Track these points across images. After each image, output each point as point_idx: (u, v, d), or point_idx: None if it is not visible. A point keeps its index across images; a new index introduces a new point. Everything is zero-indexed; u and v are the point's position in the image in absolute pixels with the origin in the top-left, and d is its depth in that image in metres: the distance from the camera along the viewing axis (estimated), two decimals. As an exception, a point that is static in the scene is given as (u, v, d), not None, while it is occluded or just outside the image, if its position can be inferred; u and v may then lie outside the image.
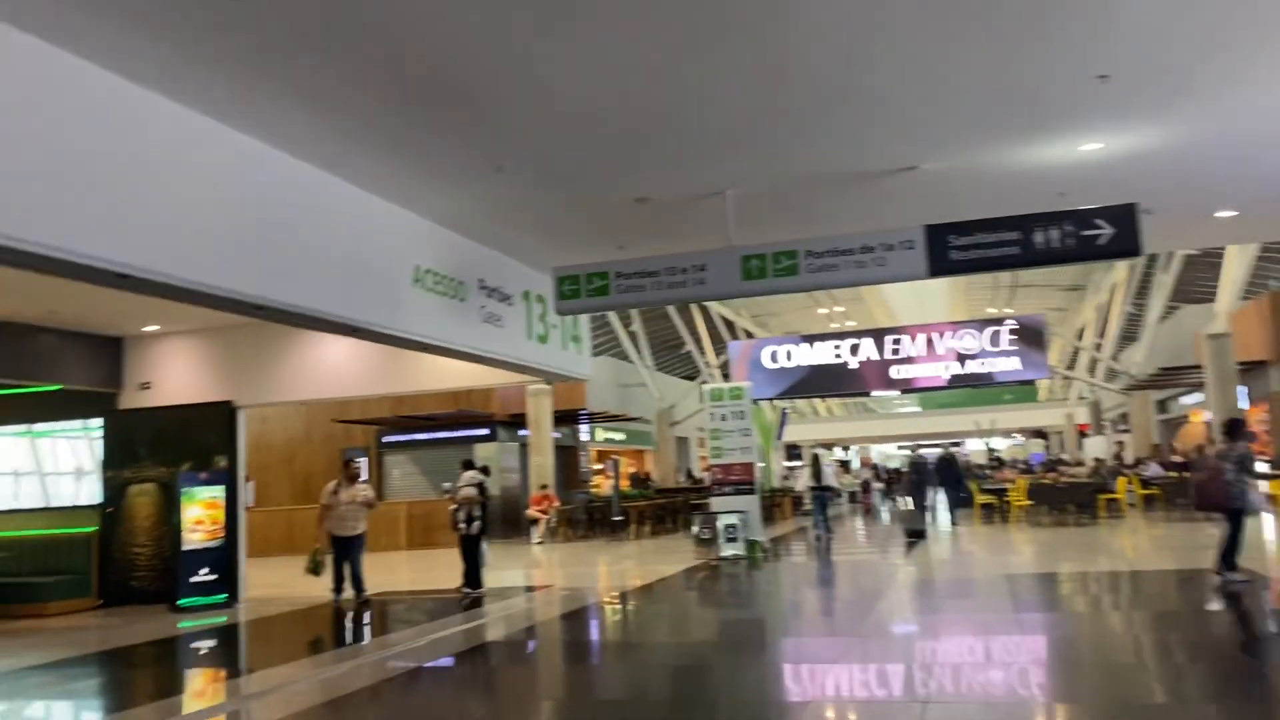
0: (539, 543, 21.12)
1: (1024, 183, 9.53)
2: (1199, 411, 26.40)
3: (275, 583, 14.96)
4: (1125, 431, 32.47)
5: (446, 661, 8.65)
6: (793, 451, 48.72)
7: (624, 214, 9.88)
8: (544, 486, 22.38)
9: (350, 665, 8.36)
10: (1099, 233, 8.40)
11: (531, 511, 21.88)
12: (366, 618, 11.33)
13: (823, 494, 21.90)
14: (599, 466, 31.62)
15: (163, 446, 13.64)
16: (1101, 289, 37.55)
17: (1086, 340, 34.74)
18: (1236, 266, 19.75)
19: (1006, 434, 50.81)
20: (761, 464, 32.91)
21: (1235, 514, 9.73)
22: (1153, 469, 23.52)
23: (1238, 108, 7.88)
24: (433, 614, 11.38)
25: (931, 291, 44.06)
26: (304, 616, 11.87)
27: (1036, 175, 9.36)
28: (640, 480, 28.12)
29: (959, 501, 21.74)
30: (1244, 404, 20.68)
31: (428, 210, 9.55)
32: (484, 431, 23.92)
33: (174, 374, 13.88)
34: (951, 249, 8.73)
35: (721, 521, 15.85)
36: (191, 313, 9.50)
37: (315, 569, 11.95)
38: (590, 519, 21.96)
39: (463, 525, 12.27)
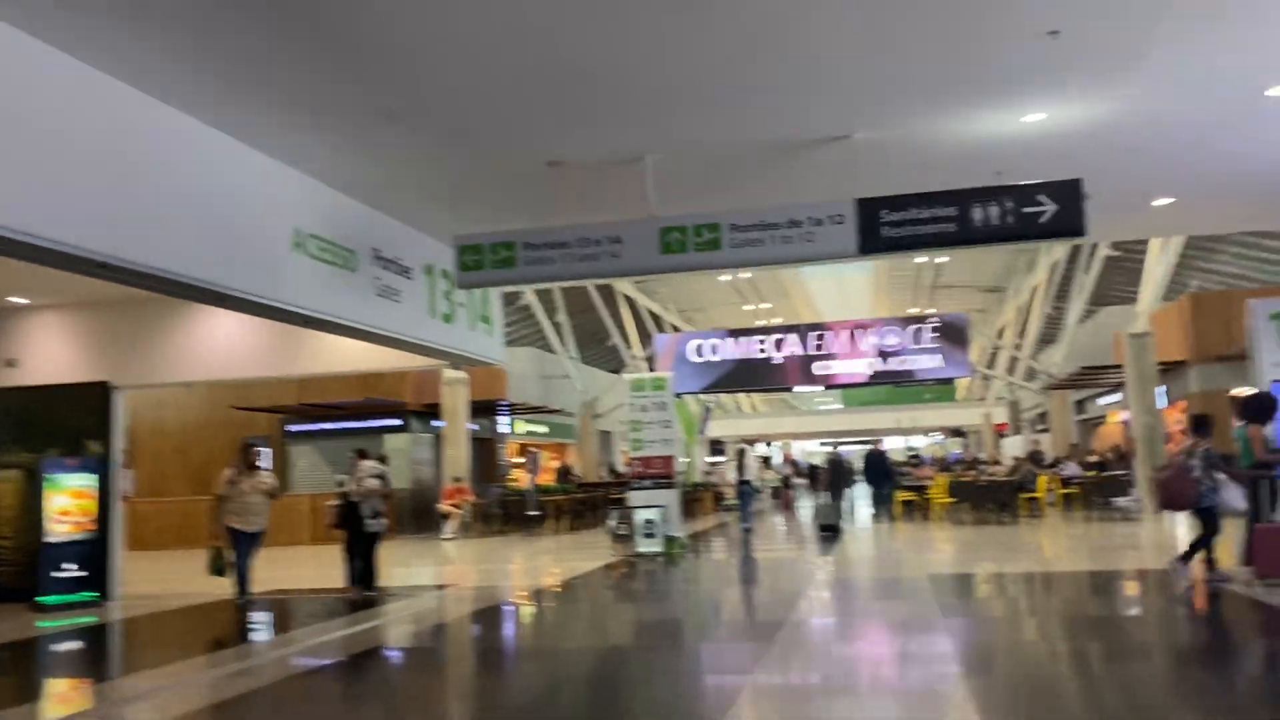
0: (450, 538, 20.10)
1: (961, 158, 8.87)
2: (1116, 412, 26.42)
3: (162, 579, 13.74)
4: (1043, 431, 32.54)
5: (328, 666, 7.69)
6: (716, 447, 48.29)
7: (535, 179, 8.99)
8: (458, 479, 21.35)
9: (217, 673, 7.34)
10: (1041, 210, 7.76)
11: (443, 505, 20.83)
12: (250, 619, 10.26)
13: (747, 489, 21.47)
14: (519, 460, 30.65)
15: (29, 430, 12.33)
16: (1022, 290, 37.75)
17: (1006, 340, 34.80)
18: (1158, 267, 19.59)
19: (926, 432, 51.03)
20: (685, 459, 32.34)
21: (1205, 513, 9.24)
22: (1071, 468, 23.39)
23: (1187, 79, 7.31)
24: (321, 615, 10.35)
25: (855, 289, 44.02)
26: (178, 617, 10.71)
27: (975, 150, 8.72)
28: (562, 474, 27.21)
29: (885, 498, 21.12)
30: (1162, 403, 20.56)
31: (311, 166, 8.52)
32: (395, 421, 22.76)
33: (45, 351, 12.58)
34: (884, 225, 8.02)
35: (639, 517, 15.06)
36: (65, 284, 8.38)
37: (219, 569, 10.75)
38: (506, 514, 20.99)
39: (370, 522, 11.21)
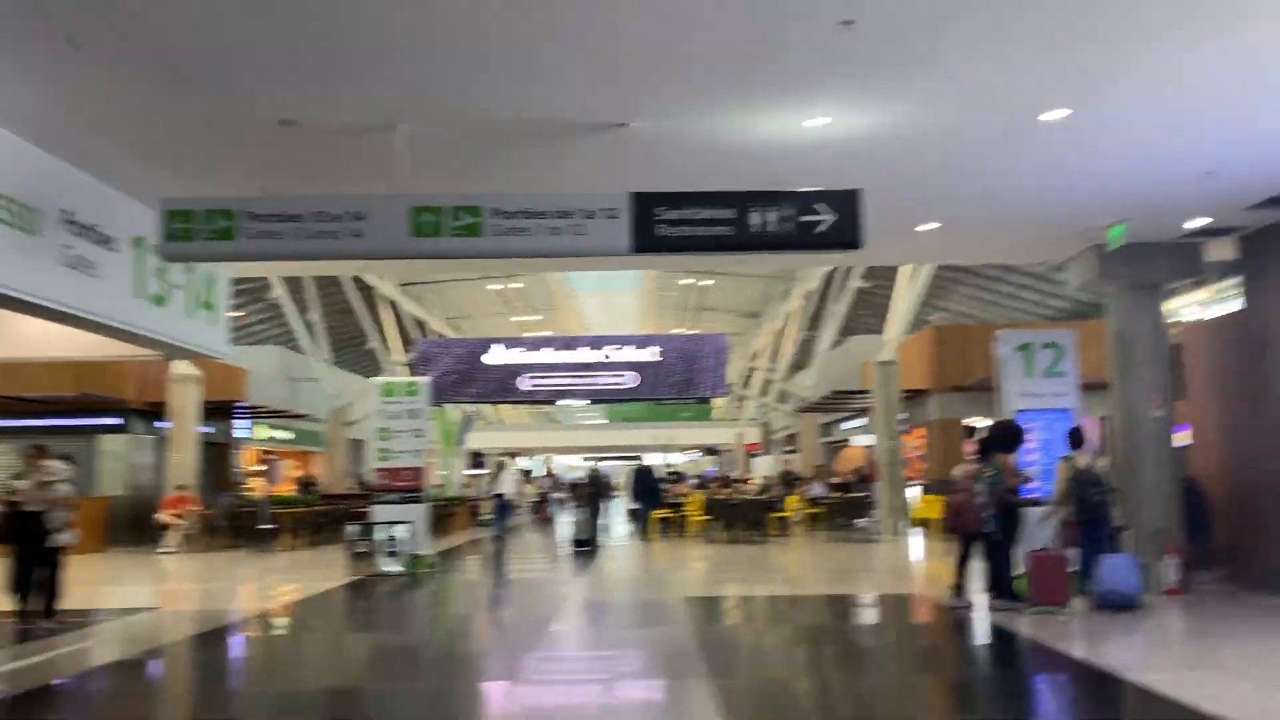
0: (169, 552, 17.83)
1: (743, 159, 8.27)
2: (851, 437, 27.41)
3: None
4: (792, 452, 33.45)
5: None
6: (478, 459, 46.85)
7: (267, 140, 7.63)
8: (182, 487, 19.05)
9: None
10: (819, 219, 7.27)
11: (162, 516, 18.49)
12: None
13: (504, 503, 20.60)
14: (260, 468, 28.14)
15: None
16: (777, 317, 38.89)
17: (761, 364, 35.64)
18: (905, 299, 20.27)
19: (683, 450, 51.76)
20: (443, 470, 30.83)
21: (985, 539, 9.07)
22: (816, 489, 23.93)
23: (970, 93, 7.03)
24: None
25: (624, 307, 44.03)
26: None
27: (757, 152, 8.15)
28: (304, 485, 25.07)
29: (654, 506, 20.50)
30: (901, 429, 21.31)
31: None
32: (115, 421, 20.08)
33: None
34: (660, 223, 7.29)
35: (381, 533, 13.72)
36: None
37: None
38: (237, 526, 18.90)
39: (57, 536, 9.28)
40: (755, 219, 7.28)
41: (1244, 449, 10.46)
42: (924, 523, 19.32)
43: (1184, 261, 10.80)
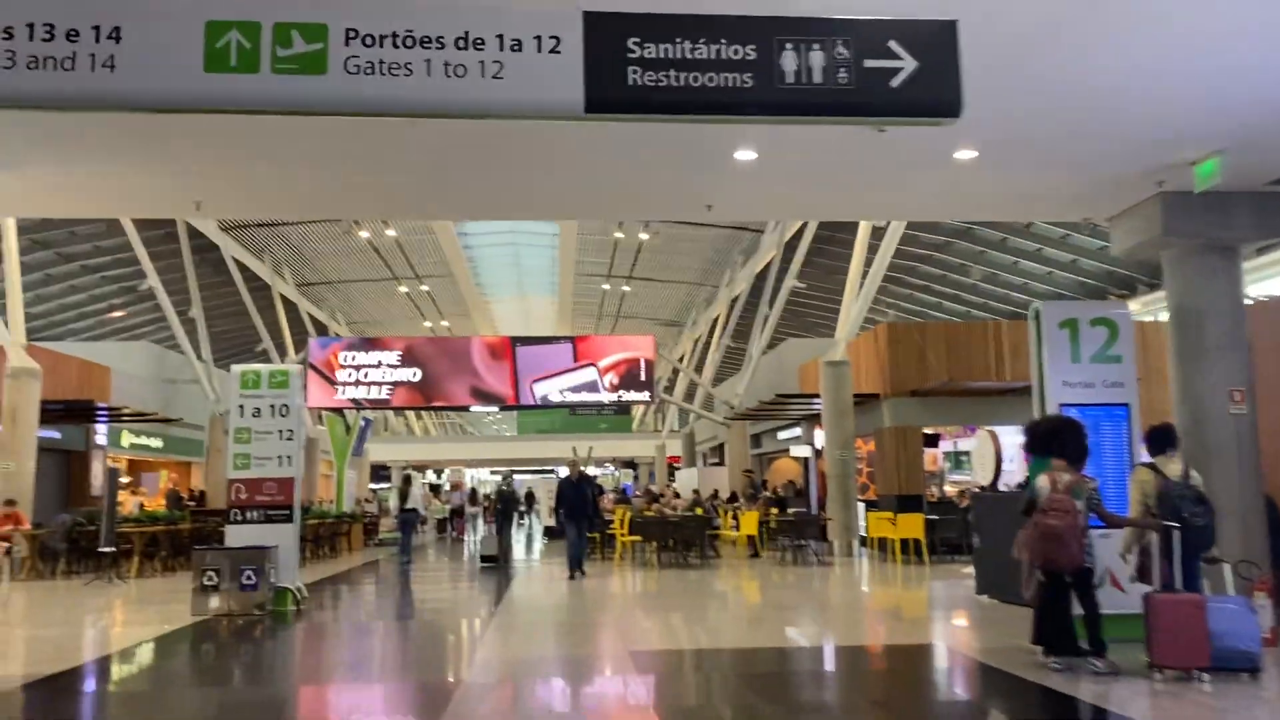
0: (-15, 581, 13.96)
1: None
2: (790, 447, 24.64)
3: None
4: (717, 464, 30.58)
5: None
6: (381, 472, 42.83)
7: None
8: (10, 503, 15.10)
9: None
10: (895, 66, 4.31)
11: (-19, 536, 14.57)
12: None
13: (410, 518, 17.41)
14: (127, 479, 23.98)
15: None
16: (699, 324, 36.10)
17: (685, 371, 32.75)
18: (858, 291, 17.58)
19: (600, 463, 48.50)
20: (336, 484, 27.09)
21: (1085, 578, 6.21)
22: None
23: None
24: None
25: (539, 312, 40.70)
26: None
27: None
28: (173, 499, 21.13)
29: (592, 527, 15.21)
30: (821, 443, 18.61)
31: None
32: (-74, 421, 15.99)
33: None
34: (631, 64, 4.23)
35: (232, 560, 10.26)
36: None
37: None
38: (76, 549, 15.04)
39: None
40: (790, 63, 4.26)
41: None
42: (877, 543, 16.60)
43: (1270, 217, 8.17)
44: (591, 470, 39.89)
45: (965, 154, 7.39)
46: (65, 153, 7.25)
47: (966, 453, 20.29)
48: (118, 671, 7.49)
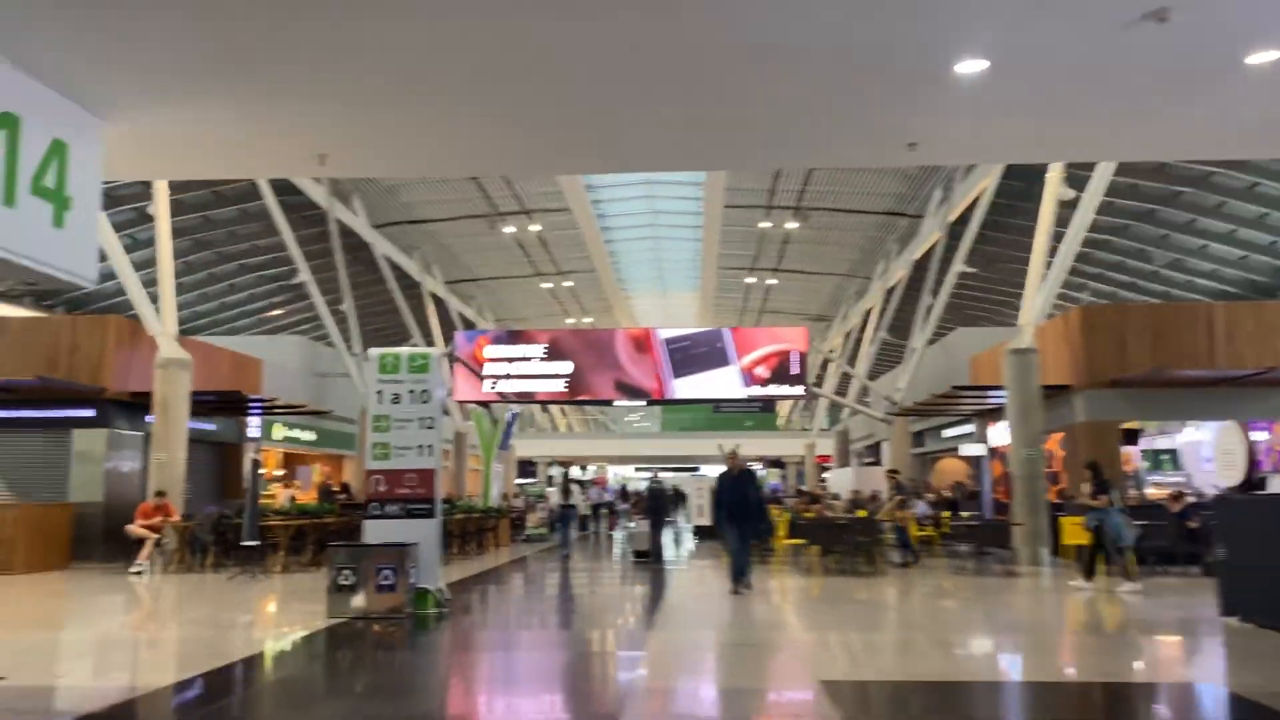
0: (138, 572, 13.62)
1: None
2: (960, 446, 22.43)
3: None
4: (872, 464, 28.54)
5: None
6: (527, 468, 42.50)
7: None
8: (160, 494, 14.82)
9: None
10: None
11: (133, 528, 14.28)
12: None
13: (570, 514, 17.35)
14: (281, 472, 24.00)
15: None
16: (851, 316, 34.06)
17: (839, 363, 30.81)
18: (1045, 269, 15.44)
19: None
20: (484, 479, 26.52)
21: None
22: (921, 508, 19.06)
23: None
24: None
25: (680, 306, 39.44)
26: None
27: None
28: (324, 493, 20.83)
29: (757, 534, 12.43)
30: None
31: None
32: (87, 413, 15.90)
33: None
34: None
35: (365, 562, 9.30)
36: None
37: None
38: (223, 542, 14.62)
39: None
40: None
41: None
42: (1074, 552, 14.44)
43: None
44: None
45: (971, 64, 5.55)
46: (190, 108, 6.35)
47: (1170, 451, 17.81)
48: (230, 686, 6.51)
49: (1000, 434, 19.12)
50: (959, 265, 20.90)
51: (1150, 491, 16.82)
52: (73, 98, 5.90)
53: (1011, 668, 7.30)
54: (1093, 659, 7.64)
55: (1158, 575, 13.08)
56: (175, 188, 20.20)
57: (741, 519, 11.14)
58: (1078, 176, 14.94)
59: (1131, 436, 16.13)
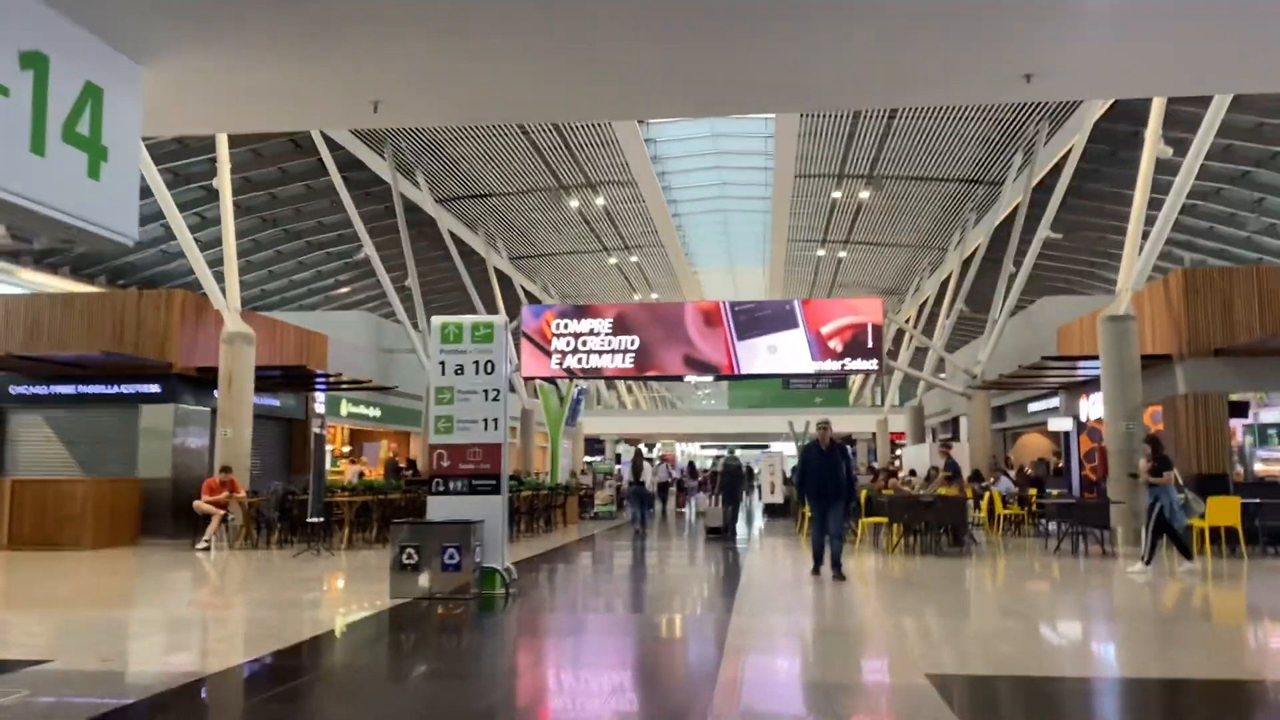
0: (204, 548, 13.44)
1: None
2: (1049, 420, 21.29)
3: None
4: (950, 440, 27.43)
5: None
6: (595, 446, 42.13)
7: None
8: (226, 469, 14.62)
9: None
10: None
11: (201, 503, 14.11)
12: None
13: (642, 491, 17.60)
14: (349, 448, 23.92)
15: None
16: (924, 289, 32.86)
17: (916, 336, 29.69)
18: (1140, 232, 14.29)
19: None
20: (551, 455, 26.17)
21: None
22: (1004, 484, 18.09)
23: None
24: None
25: (748, 281, 38.54)
26: None
27: None
28: (391, 469, 20.62)
29: (848, 514, 11.54)
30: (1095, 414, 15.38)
31: None
32: (154, 388, 15.79)
33: None
34: None
35: (429, 540, 8.82)
36: None
37: None
38: (288, 518, 14.38)
39: None
40: None
41: None
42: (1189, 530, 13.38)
43: None
44: (790, 449, 37.15)
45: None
46: (235, 52, 5.83)
47: (1278, 425, 16.56)
48: (286, 673, 6.05)
49: (1093, 407, 18.02)
50: (1045, 231, 19.71)
51: (1259, 468, 15.63)
52: (107, 39, 5.42)
53: (1143, 662, 6.49)
54: (1227, 654, 6.78)
55: (1269, 557, 12.06)
56: (240, 165, 20.04)
57: (828, 495, 10.22)
58: (1172, 138, 13.80)
59: (1238, 409, 14.92)
